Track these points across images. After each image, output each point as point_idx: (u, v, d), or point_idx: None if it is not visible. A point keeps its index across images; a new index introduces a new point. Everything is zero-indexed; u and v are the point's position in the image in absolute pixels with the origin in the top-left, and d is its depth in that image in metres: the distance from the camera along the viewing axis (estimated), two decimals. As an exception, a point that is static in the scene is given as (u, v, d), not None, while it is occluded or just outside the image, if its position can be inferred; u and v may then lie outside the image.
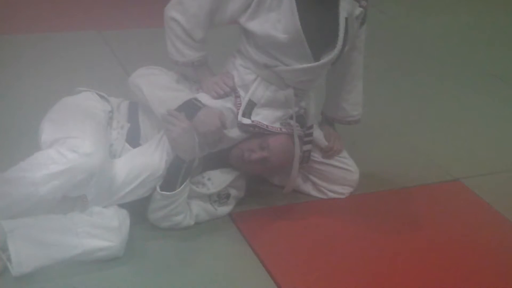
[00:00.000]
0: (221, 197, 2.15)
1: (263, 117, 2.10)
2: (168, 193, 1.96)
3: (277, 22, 1.98)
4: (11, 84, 2.87)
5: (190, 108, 2.00)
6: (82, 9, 3.96)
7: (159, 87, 2.07)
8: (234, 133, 2.08)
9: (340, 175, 2.34)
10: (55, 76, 2.94)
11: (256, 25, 2.00)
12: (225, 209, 2.17)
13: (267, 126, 2.09)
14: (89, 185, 1.83)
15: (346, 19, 2.04)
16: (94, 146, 1.84)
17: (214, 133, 1.99)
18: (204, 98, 2.07)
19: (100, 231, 1.85)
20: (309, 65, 2.05)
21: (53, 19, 3.72)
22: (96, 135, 1.91)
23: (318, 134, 2.31)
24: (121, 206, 1.95)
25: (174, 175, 1.97)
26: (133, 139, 2.06)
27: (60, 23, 3.68)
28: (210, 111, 2.01)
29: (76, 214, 1.87)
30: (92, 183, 1.83)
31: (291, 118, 2.14)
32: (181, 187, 1.97)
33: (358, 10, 2.09)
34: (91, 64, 3.14)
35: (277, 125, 2.12)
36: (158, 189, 1.96)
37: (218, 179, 2.13)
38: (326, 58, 2.05)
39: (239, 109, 2.07)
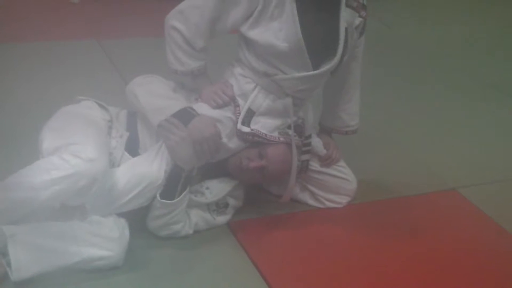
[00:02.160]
0: (219, 207, 2.16)
1: (262, 125, 2.10)
2: (168, 201, 1.96)
3: (278, 31, 1.99)
4: (10, 92, 2.88)
5: (185, 116, 2.00)
6: (81, 18, 3.97)
7: (155, 96, 2.08)
8: (233, 142, 2.09)
9: (337, 185, 2.35)
10: (53, 85, 2.95)
11: (257, 34, 2.01)
12: (223, 219, 2.17)
13: (265, 134, 2.10)
14: (90, 192, 1.83)
15: (346, 29, 2.05)
16: (97, 152, 1.84)
17: (209, 140, 1.99)
18: (203, 108, 2.08)
19: (100, 240, 1.85)
20: (308, 73, 2.06)
21: (52, 28, 3.73)
22: (98, 141, 1.91)
23: (316, 142, 2.32)
24: (120, 215, 1.95)
25: (174, 184, 1.97)
26: (132, 148, 2.07)
27: (59, 31, 3.69)
28: (205, 118, 2.01)
29: (76, 222, 1.87)
30: (93, 190, 1.82)
31: (289, 127, 2.15)
32: (181, 196, 1.98)
33: (357, 20, 2.11)
34: (89, 73, 3.14)
35: (276, 134, 2.13)
36: (158, 197, 1.97)
37: (216, 189, 2.14)
38: (325, 67, 2.06)
39: (238, 117, 2.08)
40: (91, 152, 1.82)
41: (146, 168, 1.97)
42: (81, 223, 1.88)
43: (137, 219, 2.01)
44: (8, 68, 3.13)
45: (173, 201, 1.97)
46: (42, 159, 1.86)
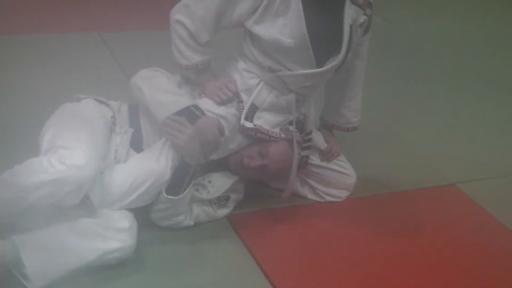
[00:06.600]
0: (220, 200, 2.16)
1: (265, 121, 2.11)
2: (174, 197, 1.96)
3: (283, 27, 1.99)
4: (11, 84, 2.87)
5: (190, 116, 1.97)
6: (82, 10, 3.97)
7: (160, 90, 2.06)
8: (235, 139, 2.09)
9: (337, 179, 2.35)
10: (54, 78, 2.94)
11: (262, 29, 2.01)
12: (224, 211, 2.18)
13: (268, 130, 2.11)
14: (79, 196, 1.79)
15: (351, 26, 2.05)
16: (85, 157, 1.79)
17: (211, 143, 1.97)
18: (207, 103, 2.07)
19: (112, 232, 1.84)
20: (312, 70, 2.06)
21: (53, 20, 3.73)
22: (91, 144, 1.86)
23: (317, 136, 2.33)
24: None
25: (180, 179, 1.97)
26: (136, 144, 2.06)
27: (60, 24, 3.69)
28: (210, 120, 1.99)
29: (84, 219, 1.85)
30: (82, 194, 1.80)
31: (290, 123, 2.15)
32: (186, 191, 1.98)
33: (362, 18, 2.10)
34: (90, 66, 3.14)
35: (277, 130, 2.13)
36: (164, 193, 1.96)
37: (218, 182, 2.14)
38: (329, 65, 2.06)
39: (241, 113, 2.08)
40: (79, 158, 1.77)
41: (153, 165, 1.95)
42: (90, 219, 1.85)
43: (137, 213, 2.00)
44: (8, 60, 3.12)
45: (178, 197, 1.97)
46: (34, 159, 1.82)
